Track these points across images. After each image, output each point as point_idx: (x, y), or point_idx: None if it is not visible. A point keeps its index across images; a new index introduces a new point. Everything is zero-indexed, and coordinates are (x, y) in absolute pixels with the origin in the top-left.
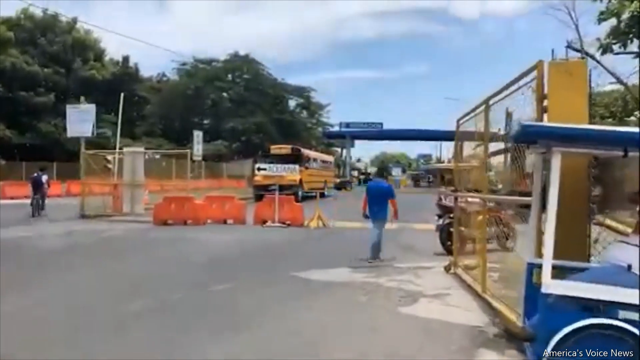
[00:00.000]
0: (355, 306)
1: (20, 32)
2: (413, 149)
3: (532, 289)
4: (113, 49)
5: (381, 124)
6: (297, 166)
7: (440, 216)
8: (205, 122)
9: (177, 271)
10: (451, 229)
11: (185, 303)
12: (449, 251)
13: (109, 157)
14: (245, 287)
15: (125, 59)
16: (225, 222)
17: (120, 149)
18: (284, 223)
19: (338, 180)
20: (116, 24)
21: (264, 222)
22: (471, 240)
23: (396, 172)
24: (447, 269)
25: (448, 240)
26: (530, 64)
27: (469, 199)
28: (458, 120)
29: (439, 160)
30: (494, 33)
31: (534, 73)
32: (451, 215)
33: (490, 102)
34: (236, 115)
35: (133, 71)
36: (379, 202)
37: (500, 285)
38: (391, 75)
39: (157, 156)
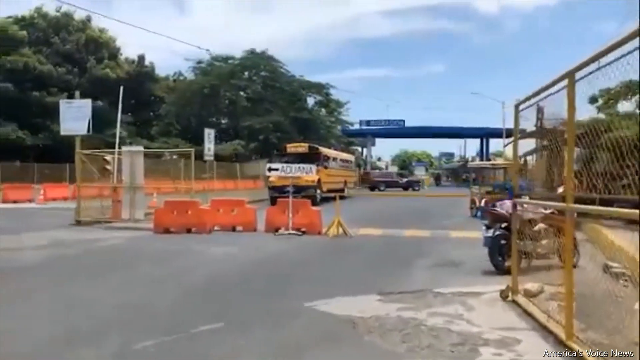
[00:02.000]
0: None
1: (33, 31)
2: (434, 147)
3: None
4: (129, 50)
5: (403, 121)
6: (313, 166)
7: (489, 226)
8: (223, 121)
9: (158, 300)
10: (502, 242)
11: (151, 356)
12: (501, 270)
13: (108, 158)
14: (240, 327)
15: (141, 57)
16: (234, 229)
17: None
18: (298, 230)
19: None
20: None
21: (277, 229)
22: (531, 256)
23: (419, 170)
24: (504, 295)
25: (500, 256)
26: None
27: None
28: (517, 106)
29: (463, 159)
30: (515, 29)
31: None
32: (503, 226)
33: (577, 75)
34: (253, 114)
35: (149, 70)
36: None
37: (590, 324)
38: (410, 73)
39: (174, 156)
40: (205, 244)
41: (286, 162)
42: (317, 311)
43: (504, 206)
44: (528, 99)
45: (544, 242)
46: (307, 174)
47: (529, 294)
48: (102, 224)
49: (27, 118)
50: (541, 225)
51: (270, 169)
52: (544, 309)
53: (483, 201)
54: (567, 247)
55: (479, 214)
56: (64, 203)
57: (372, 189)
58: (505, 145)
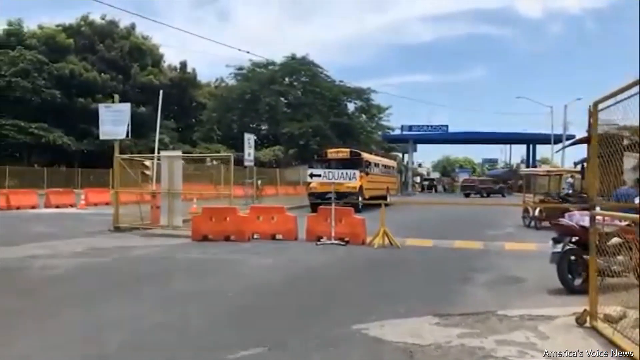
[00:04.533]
0: None
1: (80, 38)
2: (477, 154)
3: None
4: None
5: (446, 126)
6: (357, 172)
7: (557, 240)
8: (263, 127)
9: (194, 320)
10: (572, 258)
11: None
12: (570, 289)
13: (147, 163)
14: (283, 354)
15: (183, 64)
16: (273, 237)
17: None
18: (341, 240)
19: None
20: (176, 33)
21: (319, 238)
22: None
23: (463, 177)
24: (580, 320)
25: (570, 274)
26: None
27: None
28: (596, 104)
29: (509, 165)
30: (559, 32)
31: None
32: (574, 240)
33: None
34: (293, 119)
35: (191, 77)
36: None
37: None
38: (451, 78)
39: (215, 162)
40: (244, 254)
41: (327, 167)
42: (367, 336)
43: (574, 218)
44: (610, 97)
45: (619, 258)
46: (350, 180)
47: (611, 320)
48: (140, 231)
49: (72, 124)
50: (616, 240)
51: (312, 175)
52: (632, 338)
53: (537, 210)
54: None
55: (532, 223)
56: (105, 208)
57: (467, 195)
58: (557, 151)
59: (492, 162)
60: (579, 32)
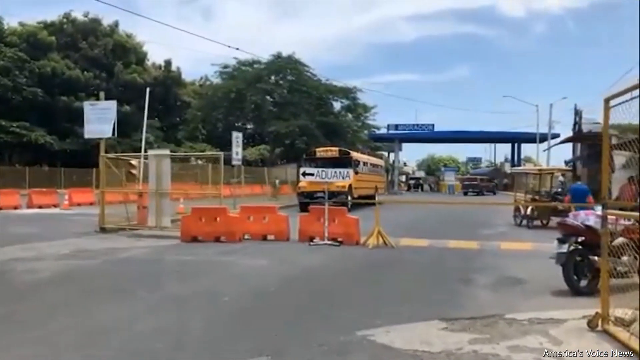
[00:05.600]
0: None
1: (62, 36)
2: (461, 152)
3: None
4: (156, 55)
5: (432, 125)
6: (350, 170)
7: (562, 240)
8: (248, 126)
9: (189, 326)
10: (578, 258)
11: None
12: (576, 291)
13: (134, 162)
14: None
15: (168, 62)
16: (265, 238)
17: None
18: (335, 240)
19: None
20: (161, 30)
21: (311, 238)
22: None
23: (449, 176)
24: (592, 324)
25: (575, 275)
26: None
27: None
28: (607, 100)
29: (494, 164)
30: (543, 32)
31: None
32: (579, 240)
33: None
34: (279, 118)
35: (176, 75)
36: None
37: None
38: (436, 77)
39: (200, 161)
40: (237, 256)
41: (316, 166)
42: (374, 343)
43: (579, 218)
44: (624, 92)
45: (624, 258)
46: (343, 179)
47: (623, 323)
48: (127, 231)
49: (55, 123)
50: (621, 240)
51: (304, 174)
52: None
53: (529, 209)
54: None
55: (524, 222)
56: (90, 208)
57: (466, 193)
58: (545, 150)
59: (476, 161)
60: (562, 31)
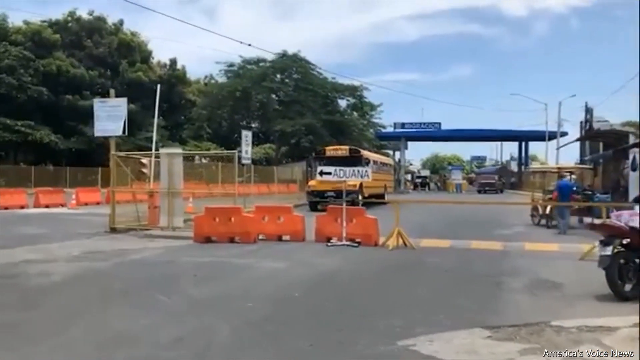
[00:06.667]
0: None
1: (66, 34)
2: (466, 151)
3: None
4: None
5: (439, 123)
6: (369, 169)
7: (606, 242)
8: (254, 125)
9: (209, 336)
10: (622, 261)
11: None
12: (620, 296)
13: (144, 161)
14: None
15: (173, 61)
16: (280, 238)
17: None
18: (352, 241)
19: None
20: (165, 30)
21: (328, 239)
22: None
23: (456, 175)
24: None
25: (620, 279)
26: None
27: None
28: None
29: (500, 163)
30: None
31: None
32: (624, 242)
33: None
34: (285, 117)
35: (181, 73)
36: None
37: None
38: (443, 76)
39: (205, 159)
40: (254, 258)
41: (326, 165)
42: (418, 354)
43: (622, 218)
44: None
45: None
46: (362, 178)
47: None
48: (138, 232)
49: (60, 122)
50: None
51: (321, 173)
52: None
53: (548, 208)
54: None
55: (542, 222)
56: (97, 208)
57: (479, 191)
58: (558, 148)
59: (480, 159)
60: (566, 30)
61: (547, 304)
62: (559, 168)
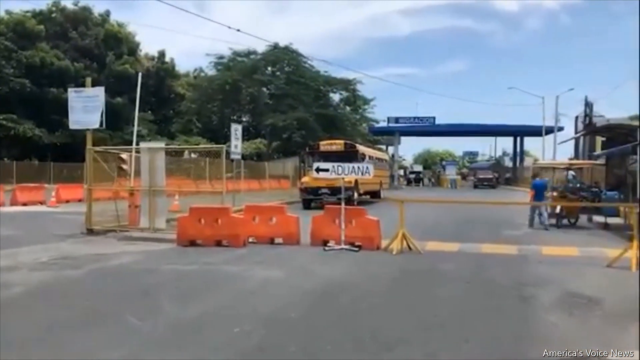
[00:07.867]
0: None
1: (51, 25)
2: (459, 146)
3: None
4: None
5: (434, 118)
6: (370, 165)
7: None
8: (244, 119)
9: None
10: None
11: None
12: None
13: (124, 156)
14: None
15: (161, 53)
16: (272, 241)
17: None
18: (352, 244)
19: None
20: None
21: (325, 242)
22: None
23: (450, 171)
24: None
25: None
26: None
27: None
28: None
29: (495, 158)
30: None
31: None
32: None
33: None
34: (276, 111)
35: (169, 66)
36: None
37: None
38: (437, 71)
39: (194, 154)
40: (244, 265)
41: (319, 160)
42: None
43: None
44: None
45: None
46: (363, 175)
47: None
48: (117, 233)
49: (44, 115)
50: None
51: (318, 170)
52: None
53: (558, 208)
54: None
55: (551, 221)
56: (78, 206)
57: (476, 186)
58: (559, 143)
59: (473, 155)
60: (558, 26)
61: (591, 327)
62: (570, 164)
